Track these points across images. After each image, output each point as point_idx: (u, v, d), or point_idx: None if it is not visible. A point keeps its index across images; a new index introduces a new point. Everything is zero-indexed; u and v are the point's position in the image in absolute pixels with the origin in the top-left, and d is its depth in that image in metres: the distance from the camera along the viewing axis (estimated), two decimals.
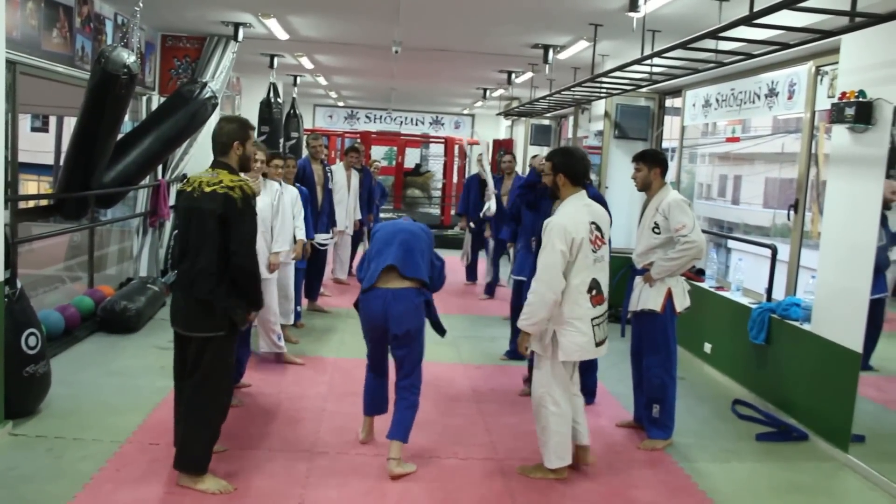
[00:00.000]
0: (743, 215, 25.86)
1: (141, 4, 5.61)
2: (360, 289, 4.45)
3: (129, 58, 5.63)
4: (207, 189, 3.79)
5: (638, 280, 4.92)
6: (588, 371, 5.72)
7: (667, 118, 9.23)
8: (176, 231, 8.56)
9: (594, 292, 4.07)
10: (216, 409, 3.92)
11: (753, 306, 5.96)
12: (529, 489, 4.15)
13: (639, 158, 4.97)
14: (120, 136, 6.84)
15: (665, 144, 9.63)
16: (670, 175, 8.90)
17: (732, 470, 4.59)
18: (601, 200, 4.97)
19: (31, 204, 6.94)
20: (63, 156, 7.60)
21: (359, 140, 14.08)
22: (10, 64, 5.66)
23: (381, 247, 4.44)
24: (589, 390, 5.71)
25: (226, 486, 3.90)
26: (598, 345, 4.12)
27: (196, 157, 8.77)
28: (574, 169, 4.19)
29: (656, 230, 4.78)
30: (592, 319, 4.07)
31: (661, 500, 4.13)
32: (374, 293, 4.32)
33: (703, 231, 5.15)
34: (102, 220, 8.16)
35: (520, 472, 4.30)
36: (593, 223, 4.11)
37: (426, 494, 4.02)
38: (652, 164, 4.89)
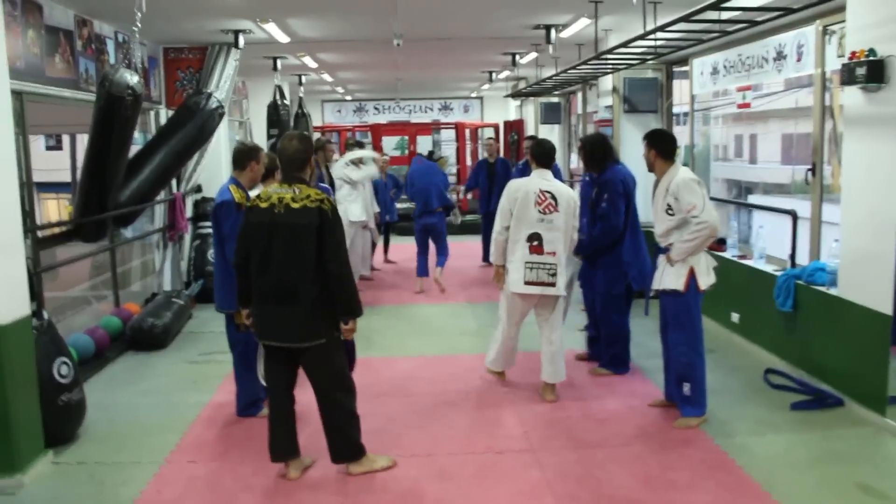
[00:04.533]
0: (761, 174, 25.53)
1: (139, 24, 5.60)
2: (416, 212, 9.05)
3: (133, 78, 5.65)
4: (295, 205, 3.92)
5: (661, 259, 4.90)
6: (616, 341, 5.89)
7: (676, 83, 9.10)
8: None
9: (535, 243, 5.16)
10: (353, 398, 4.19)
11: (778, 273, 5.91)
12: (566, 479, 4.15)
13: (643, 139, 5.02)
14: (131, 154, 6.88)
15: (676, 110, 9.48)
16: (684, 139, 8.84)
17: (769, 443, 4.57)
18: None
19: (54, 229, 7.01)
20: (78, 178, 7.65)
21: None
22: (17, 94, 5.71)
23: (423, 189, 8.93)
24: (619, 358, 5.94)
25: (390, 458, 4.34)
26: (526, 283, 5.19)
27: (208, 168, 8.82)
28: (536, 152, 5.43)
29: (669, 212, 4.77)
30: (526, 263, 5.16)
31: (699, 480, 4.11)
32: (423, 217, 8.96)
33: (719, 200, 5.13)
34: (122, 240, 8.23)
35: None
36: (547, 192, 5.20)
37: (462, 494, 4.03)
38: (650, 144, 4.93)
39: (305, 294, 3.93)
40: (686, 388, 4.85)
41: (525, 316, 5.50)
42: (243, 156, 5.00)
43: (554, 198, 5.20)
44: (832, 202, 5.97)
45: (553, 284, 5.21)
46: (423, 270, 9.14)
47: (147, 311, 7.11)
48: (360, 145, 8.91)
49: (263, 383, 5.04)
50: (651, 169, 4.97)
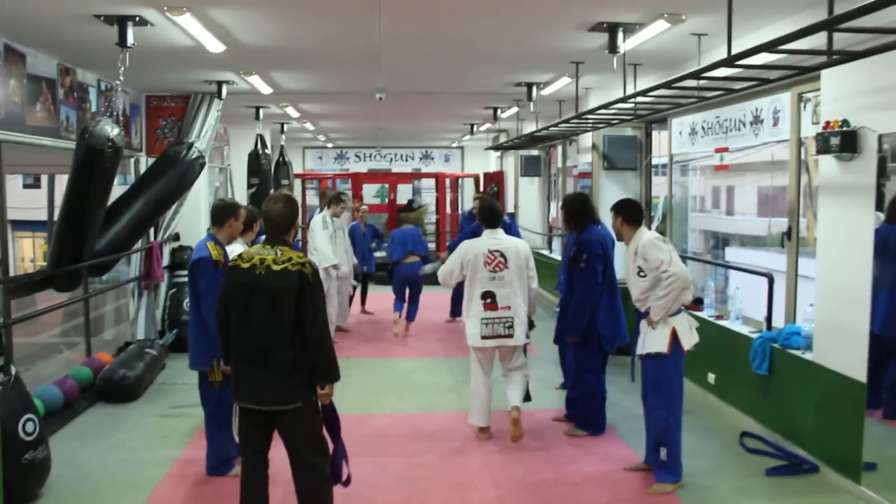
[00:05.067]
0: (738, 226, 25.77)
1: (122, 78, 5.62)
2: (394, 260, 9.63)
3: (113, 130, 5.64)
4: (276, 267, 3.86)
5: (643, 324, 4.92)
6: (592, 402, 5.85)
7: (655, 134, 9.17)
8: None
9: (488, 300, 5.51)
10: (327, 461, 4.09)
11: (754, 336, 5.93)
12: None
13: (611, 210, 5.19)
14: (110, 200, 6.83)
15: (655, 161, 9.55)
16: (663, 191, 8.89)
17: None
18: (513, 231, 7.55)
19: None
20: (55, 220, 7.60)
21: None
22: None
23: (402, 240, 9.64)
24: (592, 420, 5.88)
25: None
26: (483, 338, 5.54)
27: (187, 216, 8.78)
28: (484, 215, 5.80)
29: (641, 274, 4.85)
30: (482, 319, 5.51)
31: None
32: (402, 264, 9.54)
33: (691, 259, 5.19)
34: (96, 289, 8.12)
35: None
36: (496, 251, 5.54)
37: None
38: (616, 213, 5.10)
39: (282, 357, 3.88)
40: (663, 452, 4.82)
41: (491, 363, 5.79)
42: (222, 212, 4.99)
43: (503, 255, 5.54)
44: (808, 255, 6.03)
45: (510, 336, 5.56)
46: (400, 307, 9.59)
47: (119, 362, 6.99)
48: (339, 198, 8.90)
49: (238, 440, 4.97)
50: (620, 238, 5.12)
